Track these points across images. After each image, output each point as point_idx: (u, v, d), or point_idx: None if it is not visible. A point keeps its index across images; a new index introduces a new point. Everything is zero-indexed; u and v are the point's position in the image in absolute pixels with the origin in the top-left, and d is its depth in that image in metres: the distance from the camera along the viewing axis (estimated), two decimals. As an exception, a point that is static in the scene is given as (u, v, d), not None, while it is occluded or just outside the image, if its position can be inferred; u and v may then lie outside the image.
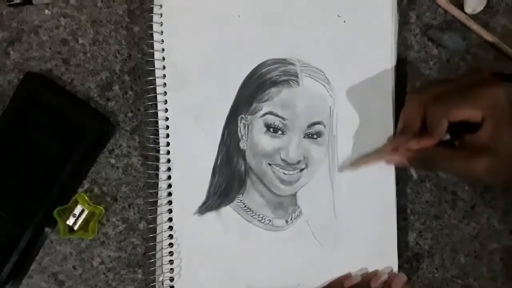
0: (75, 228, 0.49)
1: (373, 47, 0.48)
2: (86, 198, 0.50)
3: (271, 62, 0.48)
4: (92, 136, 0.49)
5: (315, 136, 0.48)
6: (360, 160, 0.48)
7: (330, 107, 0.48)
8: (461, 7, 0.49)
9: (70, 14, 0.51)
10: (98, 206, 0.50)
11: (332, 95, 0.48)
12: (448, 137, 0.44)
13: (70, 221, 0.49)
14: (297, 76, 0.48)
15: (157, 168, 0.49)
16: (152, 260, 0.49)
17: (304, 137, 0.48)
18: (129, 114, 0.51)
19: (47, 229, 0.50)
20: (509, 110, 0.40)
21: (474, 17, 0.49)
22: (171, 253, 0.48)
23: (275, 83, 0.48)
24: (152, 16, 0.49)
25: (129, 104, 0.51)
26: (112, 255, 0.51)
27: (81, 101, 0.51)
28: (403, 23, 0.50)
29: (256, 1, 0.49)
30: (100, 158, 0.51)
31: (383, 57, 0.48)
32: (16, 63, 0.51)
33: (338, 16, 0.48)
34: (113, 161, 0.51)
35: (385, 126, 0.48)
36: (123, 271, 0.51)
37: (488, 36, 0.49)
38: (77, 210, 0.49)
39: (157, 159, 0.49)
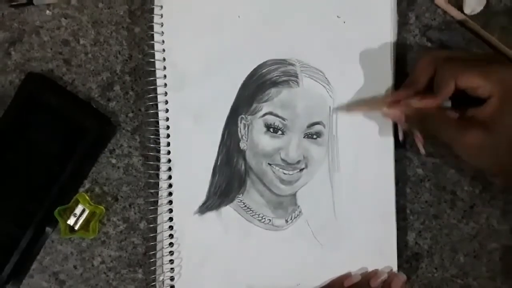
0: (76, 227, 0.49)
1: (372, 48, 0.48)
2: (87, 197, 0.50)
3: (271, 62, 0.49)
4: (93, 136, 0.49)
5: (314, 136, 0.49)
6: (357, 105, 0.48)
7: (330, 107, 0.49)
8: (460, 8, 0.49)
9: (71, 14, 0.51)
10: (99, 206, 0.50)
11: (332, 95, 0.49)
12: (449, 104, 0.44)
13: (71, 221, 0.49)
14: (297, 77, 0.49)
15: (158, 168, 0.49)
16: (152, 260, 0.49)
17: (304, 137, 0.48)
18: (130, 114, 0.51)
19: (48, 229, 0.51)
20: None
21: (473, 17, 0.49)
22: (171, 253, 0.48)
23: (275, 83, 0.48)
24: (152, 17, 0.49)
25: (130, 104, 0.51)
26: (112, 254, 0.51)
27: (82, 101, 0.51)
28: (402, 24, 0.50)
29: (256, 2, 0.49)
30: (101, 158, 0.51)
31: (382, 58, 0.48)
32: (18, 63, 0.51)
33: (338, 16, 0.49)
34: (114, 161, 0.51)
35: (384, 126, 0.48)
36: (123, 270, 0.51)
37: (487, 37, 0.49)
38: (78, 210, 0.49)
39: (158, 159, 0.49)
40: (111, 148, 0.51)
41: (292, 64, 0.49)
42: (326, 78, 0.49)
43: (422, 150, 0.47)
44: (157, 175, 0.49)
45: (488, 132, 0.40)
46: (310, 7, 0.49)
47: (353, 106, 0.48)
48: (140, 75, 0.51)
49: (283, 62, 0.49)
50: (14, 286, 0.51)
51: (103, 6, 0.51)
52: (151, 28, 0.49)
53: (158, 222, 0.49)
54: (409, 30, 0.50)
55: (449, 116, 0.43)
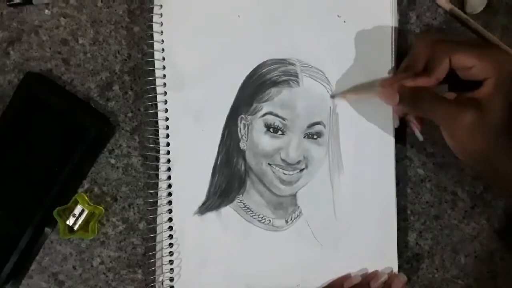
0: (75, 228, 0.49)
1: (373, 47, 0.48)
2: (86, 198, 0.50)
3: (271, 62, 0.48)
4: (92, 136, 0.49)
5: (315, 137, 0.48)
6: (352, 90, 0.48)
7: (330, 107, 0.48)
8: (461, 7, 0.49)
9: (70, 14, 0.51)
10: (98, 206, 0.50)
11: (332, 95, 0.48)
12: (446, 89, 0.43)
13: (70, 221, 0.49)
14: (297, 76, 0.48)
15: (157, 168, 0.49)
16: (152, 260, 0.49)
17: (304, 137, 0.48)
18: (129, 114, 0.51)
19: (47, 229, 0.50)
20: (510, 82, 0.41)
21: (474, 17, 0.49)
22: (171, 253, 0.48)
23: (275, 83, 0.48)
24: (152, 16, 0.49)
25: (129, 104, 0.51)
26: (112, 255, 0.51)
27: (81, 101, 0.51)
28: (403, 23, 0.50)
29: (256, 1, 0.49)
30: (100, 158, 0.51)
31: (383, 57, 0.48)
32: (16, 63, 0.51)
33: (338, 16, 0.48)
34: (113, 161, 0.51)
35: (385, 126, 0.48)
36: (123, 271, 0.51)
37: (488, 36, 0.49)
38: (77, 210, 0.49)
39: (157, 159, 0.49)
40: (110, 148, 0.51)
41: (292, 64, 0.48)
42: (326, 77, 0.48)
43: (420, 136, 0.46)
44: (157, 175, 0.49)
45: (482, 112, 0.40)
46: (311, 6, 0.48)
47: (348, 91, 0.48)
48: (139, 74, 0.51)
49: (283, 61, 0.48)
50: (13, 287, 0.51)
51: (102, 5, 0.51)
52: (151, 27, 0.49)
53: (158, 223, 0.49)
54: (410, 29, 0.50)
55: (443, 99, 0.43)
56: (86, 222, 0.49)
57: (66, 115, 0.49)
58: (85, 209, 0.49)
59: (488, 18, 0.50)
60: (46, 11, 0.51)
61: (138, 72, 0.51)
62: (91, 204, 0.50)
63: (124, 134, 0.51)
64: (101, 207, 0.50)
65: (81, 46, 0.51)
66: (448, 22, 0.50)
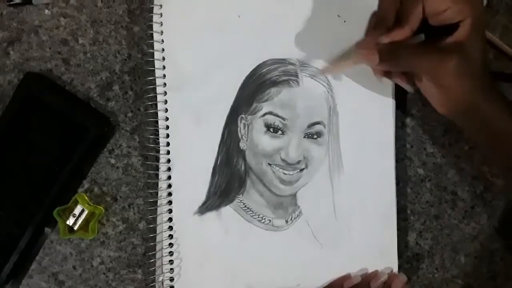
0: (75, 228, 0.49)
1: None
2: (86, 198, 0.50)
3: (271, 62, 0.48)
4: (92, 136, 0.49)
5: (315, 136, 0.48)
6: (334, 62, 0.47)
7: (330, 107, 0.48)
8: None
9: (70, 14, 0.51)
10: (98, 206, 0.50)
11: (332, 95, 0.48)
12: (423, 38, 0.41)
13: (70, 221, 0.49)
14: (297, 76, 0.48)
15: (157, 168, 0.49)
16: (152, 260, 0.49)
17: (304, 137, 0.48)
18: (129, 114, 0.51)
19: (47, 229, 0.50)
20: (484, 18, 0.40)
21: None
22: (171, 253, 0.48)
23: (275, 83, 0.48)
24: (152, 16, 0.49)
25: (129, 104, 0.51)
26: (112, 255, 0.51)
27: (81, 101, 0.51)
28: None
29: (256, 1, 0.49)
30: (100, 158, 0.51)
31: None
32: (16, 63, 0.51)
33: (338, 16, 0.48)
34: (113, 161, 0.51)
35: (385, 125, 0.48)
36: (123, 271, 0.51)
37: (488, 36, 0.49)
38: (77, 210, 0.49)
39: (157, 159, 0.49)
40: (110, 148, 0.51)
41: (292, 64, 0.48)
42: (326, 77, 0.48)
43: (409, 88, 0.45)
44: (157, 175, 0.49)
45: (465, 54, 0.39)
46: (310, 6, 0.48)
47: (330, 64, 0.47)
48: (139, 74, 0.51)
49: (283, 61, 0.48)
50: (13, 287, 0.51)
51: (102, 5, 0.51)
52: (150, 27, 0.49)
53: (158, 223, 0.49)
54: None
55: (424, 48, 0.41)
56: (86, 222, 0.49)
57: (66, 115, 0.49)
58: (85, 209, 0.49)
59: (488, 18, 0.50)
60: (46, 11, 0.51)
61: (138, 72, 0.51)
62: (91, 204, 0.50)
63: (124, 134, 0.51)
64: (101, 207, 0.50)
65: (81, 46, 0.51)
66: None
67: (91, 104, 0.51)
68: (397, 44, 0.41)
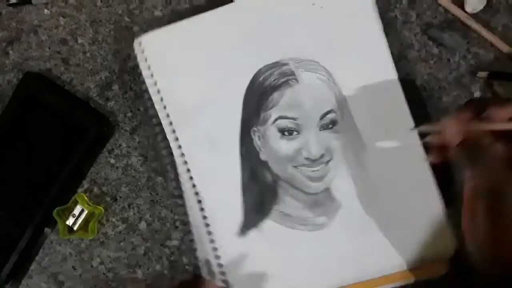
0: (75, 228, 0.49)
1: (357, 25, 0.47)
2: (86, 198, 0.50)
3: (265, 68, 0.48)
4: (91, 136, 0.49)
5: (330, 126, 0.48)
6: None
7: (335, 93, 0.48)
8: (461, 6, 0.49)
9: (69, 13, 0.51)
10: (98, 206, 0.50)
11: (333, 81, 0.48)
12: None
13: (70, 221, 0.49)
14: (294, 74, 0.48)
15: (181, 195, 0.49)
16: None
17: (320, 130, 0.48)
18: (129, 114, 0.51)
19: (46, 229, 0.50)
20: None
21: (474, 16, 0.49)
22: (225, 282, 0.48)
23: (275, 87, 0.48)
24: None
25: (129, 104, 0.51)
26: (111, 255, 0.51)
27: (80, 101, 0.51)
28: (403, 22, 0.50)
29: (239, 17, 0.48)
30: (100, 158, 0.51)
31: (370, 31, 0.47)
32: (15, 62, 0.51)
33: (313, 4, 0.48)
34: (112, 161, 0.51)
35: (393, 92, 0.47)
36: (122, 271, 0.51)
37: (488, 35, 0.49)
38: (76, 210, 0.49)
39: (179, 185, 0.48)
40: (110, 148, 0.51)
41: (286, 64, 0.48)
42: (322, 66, 0.48)
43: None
44: (181, 195, 0.48)
45: None
46: (284, 4, 0.48)
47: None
48: (139, 74, 0.50)
49: (276, 64, 0.48)
50: (13, 287, 0.51)
51: (102, 4, 0.51)
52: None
53: (201, 254, 0.48)
54: (410, 28, 0.50)
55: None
56: (86, 222, 0.49)
57: (65, 115, 0.49)
58: (85, 209, 0.49)
59: (488, 17, 0.49)
60: (45, 10, 0.51)
61: (138, 71, 0.50)
62: (91, 204, 0.50)
63: (124, 134, 0.51)
64: (101, 207, 0.50)
65: (80, 46, 0.51)
66: (448, 21, 0.50)
67: (90, 104, 0.51)
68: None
